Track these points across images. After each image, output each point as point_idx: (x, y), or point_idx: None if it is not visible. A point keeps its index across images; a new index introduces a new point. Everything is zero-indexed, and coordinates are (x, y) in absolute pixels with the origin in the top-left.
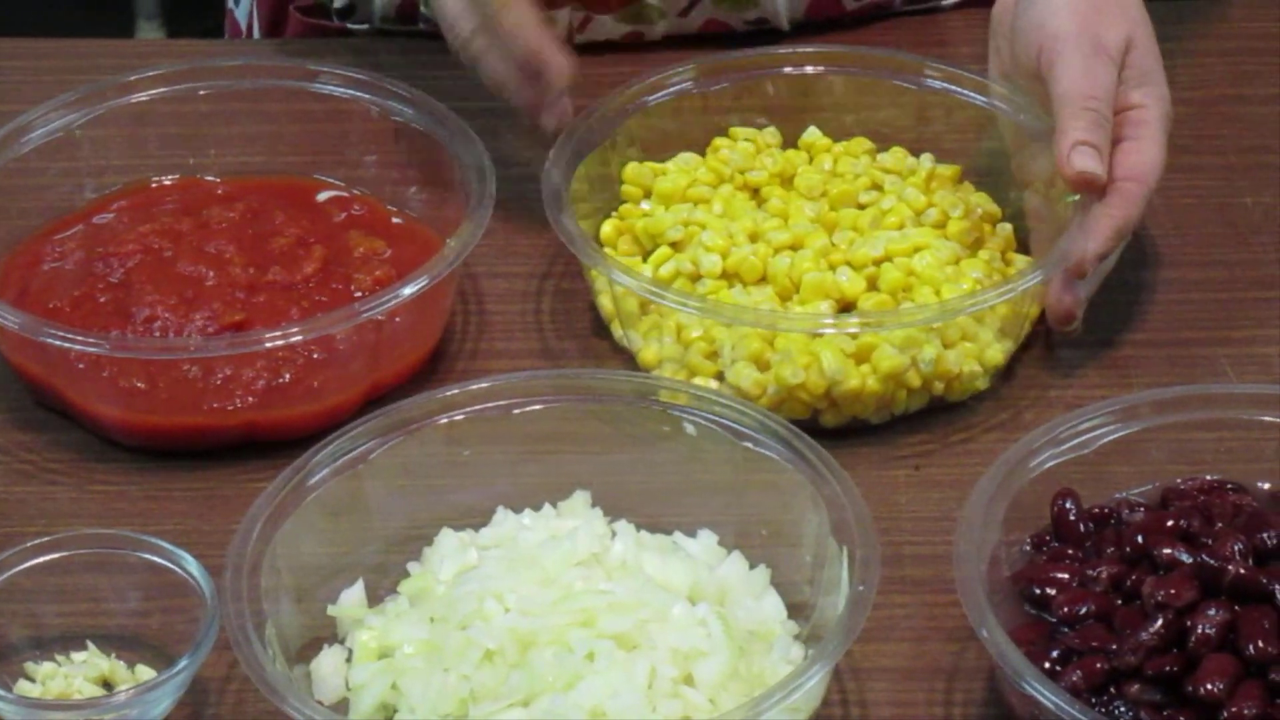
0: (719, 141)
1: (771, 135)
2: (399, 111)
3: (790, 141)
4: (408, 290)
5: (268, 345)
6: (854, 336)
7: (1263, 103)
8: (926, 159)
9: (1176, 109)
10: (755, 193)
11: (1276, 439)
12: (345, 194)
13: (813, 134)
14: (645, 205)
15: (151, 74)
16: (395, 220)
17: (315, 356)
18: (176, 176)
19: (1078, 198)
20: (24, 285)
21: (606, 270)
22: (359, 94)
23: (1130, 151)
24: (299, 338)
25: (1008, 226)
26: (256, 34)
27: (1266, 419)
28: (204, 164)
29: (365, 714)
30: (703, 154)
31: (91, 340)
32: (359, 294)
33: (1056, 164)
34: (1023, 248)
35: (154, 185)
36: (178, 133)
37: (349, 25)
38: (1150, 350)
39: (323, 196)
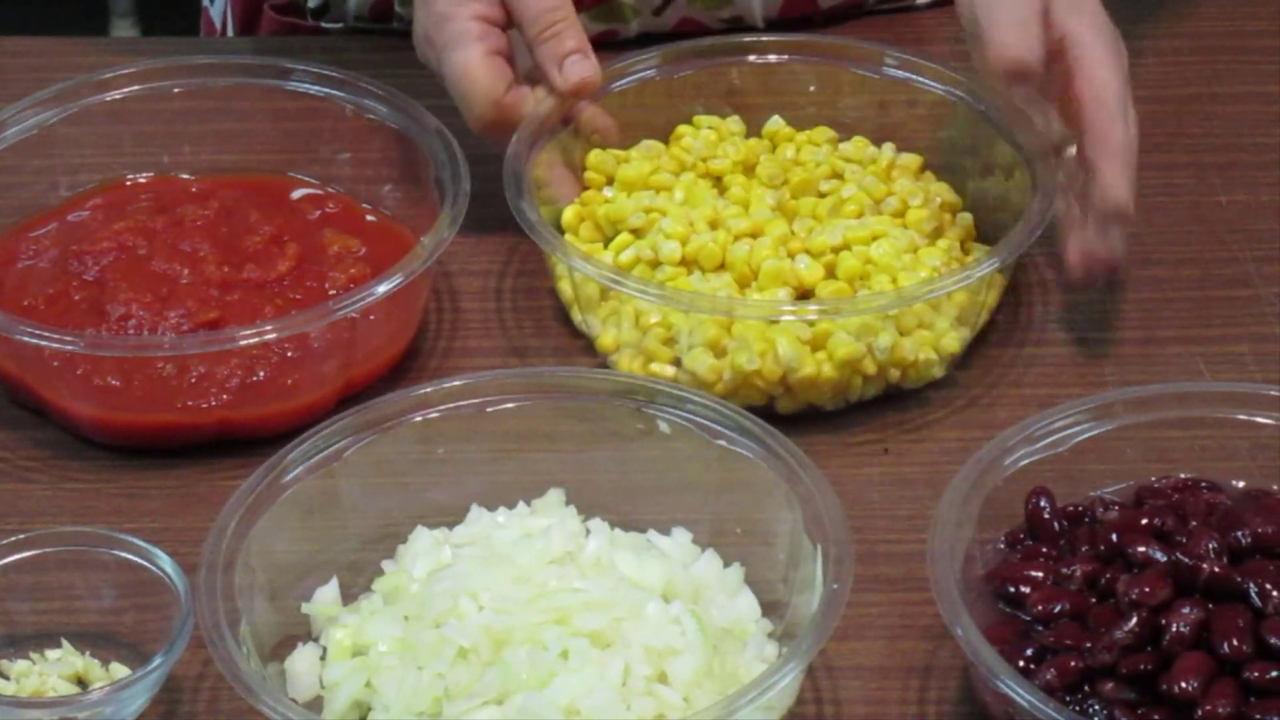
0: (682, 129)
1: (735, 124)
2: (373, 109)
3: (754, 130)
4: (382, 288)
5: (242, 343)
6: (811, 324)
7: (1235, 101)
8: (888, 149)
9: (1149, 107)
10: (717, 181)
11: (1250, 437)
12: (319, 192)
13: (776, 123)
14: (608, 192)
15: (126, 72)
16: (369, 218)
17: (289, 354)
18: (151, 174)
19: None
20: None
21: (565, 256)
22: (333, 92)
23: (1083, 81)
24: (273, 336)
25: (968, 216)
26: (231, 32)
27: (1240, 417)
28: (178, 162)
29: (339, 712)
30: (666, 142)
31: (66, 338)
32: (333, 292)
33: (989, 64)
34: (983, 238)
35: (128, 183)
36: (152, 130)
37: (323, 24)
38: (1124, 349)
39: (297, 194)
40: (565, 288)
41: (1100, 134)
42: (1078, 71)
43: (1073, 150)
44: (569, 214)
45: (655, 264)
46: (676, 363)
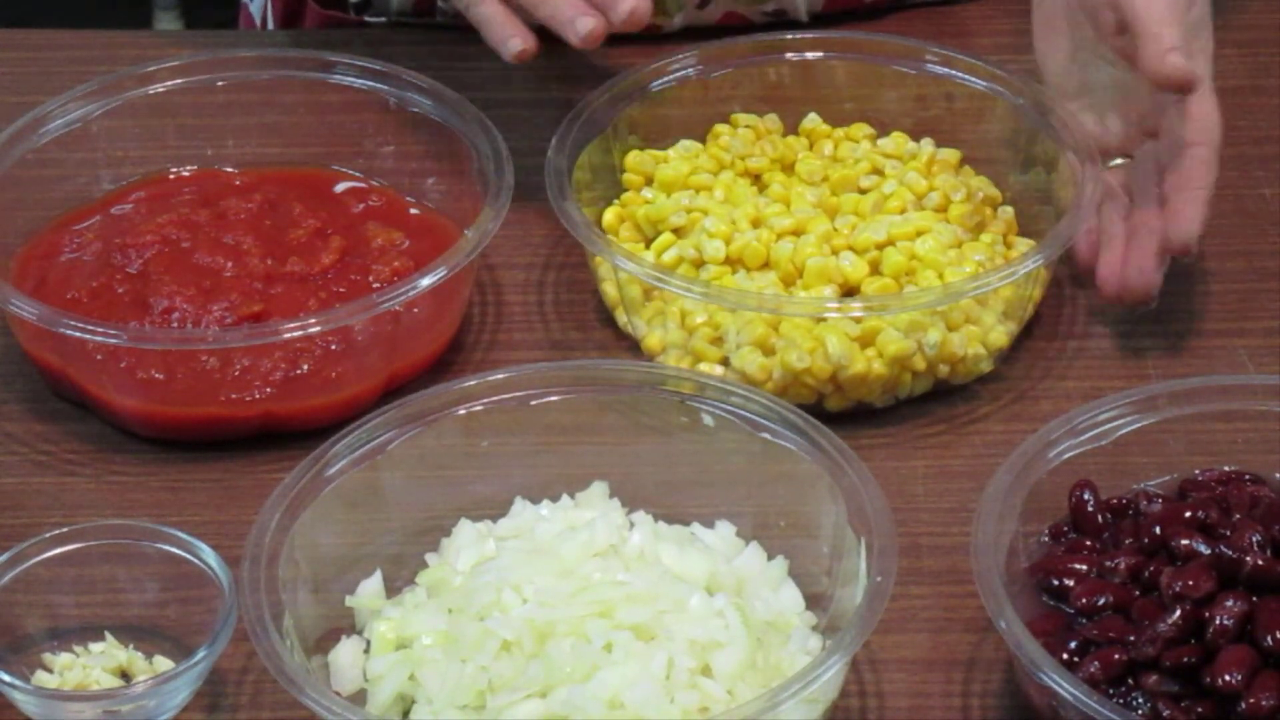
0: (719, 128)
1: (772, 122)
2: (416, 102)
3: (791, 128)
4: (425, 281)
5: (285, 336)
6: (858, 320)
7: (1278, 94)
8: (927, 144)
9: None
10: (756, 179)
11: None
12: (363, 185)
13: (813, 120)
14: (647, 193)
15: (169, 65)
16: (413, 211)
17: (333, 348)
18: (194, 167)
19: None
20: (42, 276)
21: (610, 256)
22: (376, 85)
23: (1191, 115)
24: (317, 329)
25: (1009, 210)
26: (270, 27)
27: None
28: (221, 155)
29: (383, 705)
30: (703, 141)
31: (109, 331)
32: (377, 285)
33: (1147, 67)
34: (1024, 232)
35: (171, 176)
36: (195, 124)
37: (366, 18)
38: (1168, 341)
39: (340, 188)
40: (609, 290)
41: (1190, 172)
42: (1191, 105)
43: (1118, 161)
44: (609, 215)
45: (699, 264)
46: (725, 362)
